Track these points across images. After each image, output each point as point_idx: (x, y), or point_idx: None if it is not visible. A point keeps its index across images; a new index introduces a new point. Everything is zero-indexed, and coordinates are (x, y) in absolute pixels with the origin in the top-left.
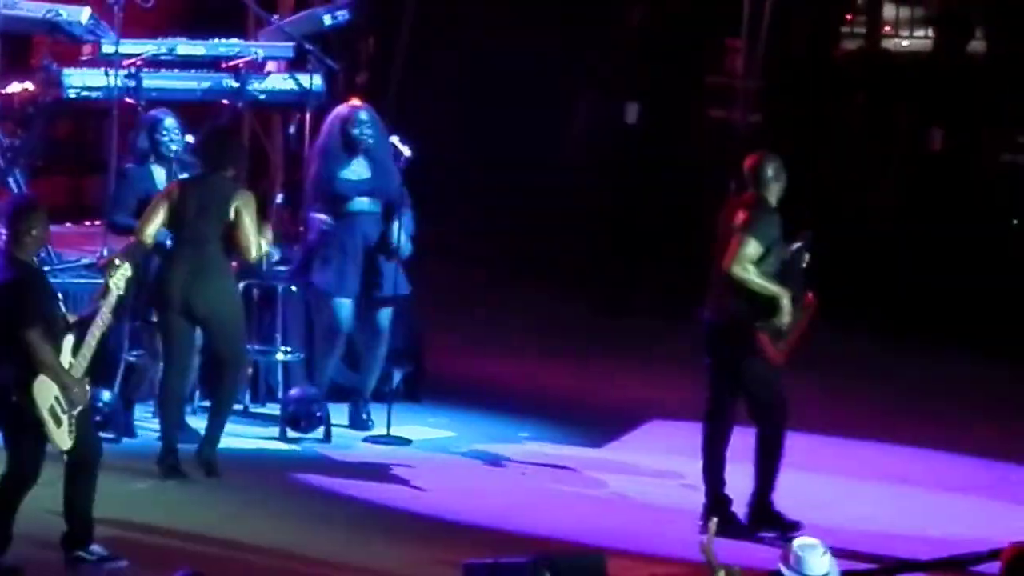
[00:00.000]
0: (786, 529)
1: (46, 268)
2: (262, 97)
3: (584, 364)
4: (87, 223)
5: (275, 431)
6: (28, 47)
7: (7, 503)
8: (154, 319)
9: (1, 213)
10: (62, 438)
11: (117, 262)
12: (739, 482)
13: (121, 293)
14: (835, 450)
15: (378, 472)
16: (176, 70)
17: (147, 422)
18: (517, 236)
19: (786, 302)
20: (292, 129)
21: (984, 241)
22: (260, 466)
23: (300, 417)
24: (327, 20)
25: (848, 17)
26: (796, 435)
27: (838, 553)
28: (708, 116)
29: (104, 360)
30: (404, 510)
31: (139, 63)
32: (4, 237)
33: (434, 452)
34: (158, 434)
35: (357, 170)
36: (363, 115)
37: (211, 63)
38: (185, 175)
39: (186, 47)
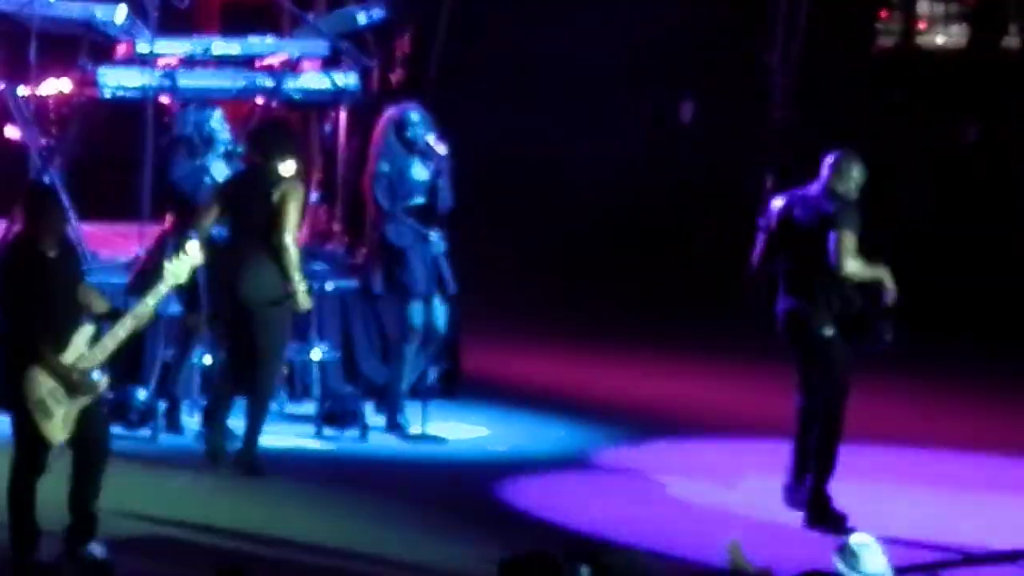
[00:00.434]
0: (838, 524)
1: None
2: (297, 96)
3: (621, 362)
4: (122, 222)
5: (311, 429)
6: (64, 47)
7: (17, 495)
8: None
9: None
10: (53, 431)
11: (187, 249)
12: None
13: (180, 283)
14: (877, 454)
15: (414, 470)
16: (211, 69)
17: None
18: (554, 234)
19: (890, 280)
20: (327, 128)
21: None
22: (296, 464)
23: (336, 415)
24: (362, 18)
25: (883, 14)
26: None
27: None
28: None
29: (139, 357)
30: (440, 507)
31: (174, 62)
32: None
33: (470, 450)
34: (197, 431)
35: (415, 170)
36: (414, 116)
37: (246, 62)
38: (238, 168)
39: (221, 46)
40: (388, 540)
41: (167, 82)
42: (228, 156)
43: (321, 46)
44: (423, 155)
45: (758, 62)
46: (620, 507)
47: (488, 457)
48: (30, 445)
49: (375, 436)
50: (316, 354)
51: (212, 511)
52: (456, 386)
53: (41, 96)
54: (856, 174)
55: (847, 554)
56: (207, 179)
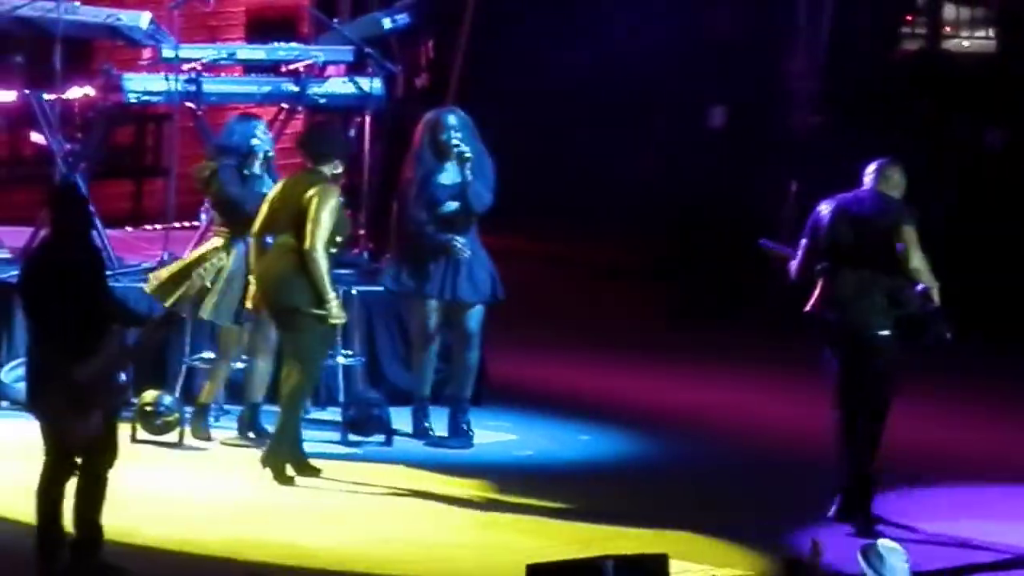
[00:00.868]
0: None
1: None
2: (322, 101)
3: (647, 368)
4: (147, 227)
5: (336, 435)
6: (88, 52)
7: (47, 500)
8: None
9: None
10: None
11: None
12: None
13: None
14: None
15: (439, 475)
16: (236, 74)
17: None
18: (579, 239)
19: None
20: (352, 133)
21: None
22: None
23: (361, 421)
24: (387, 23)
25: (908, 18)
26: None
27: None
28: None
29: (163, 364)
30: (467, 513)
31: (199, 67)
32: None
33: (496, 455)
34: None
35: (450, 174)
36: (451, 119)
37: (271, 67)
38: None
39: (246, 51)
40: (411, 543)
41: (192, 87)
42: (267, 163)
43: (346, 51)
44: (457, 160)
45: (782, 68)
46: (647, 511)
47: (514, 462)
48: (59, 449)
49: (399, 442)
50: (341, 360)
51: (235, 518)
52: (482, 391)
53: (66, 100)
54: (899, 179)
55: (873, 556)
56: (257, 188)
